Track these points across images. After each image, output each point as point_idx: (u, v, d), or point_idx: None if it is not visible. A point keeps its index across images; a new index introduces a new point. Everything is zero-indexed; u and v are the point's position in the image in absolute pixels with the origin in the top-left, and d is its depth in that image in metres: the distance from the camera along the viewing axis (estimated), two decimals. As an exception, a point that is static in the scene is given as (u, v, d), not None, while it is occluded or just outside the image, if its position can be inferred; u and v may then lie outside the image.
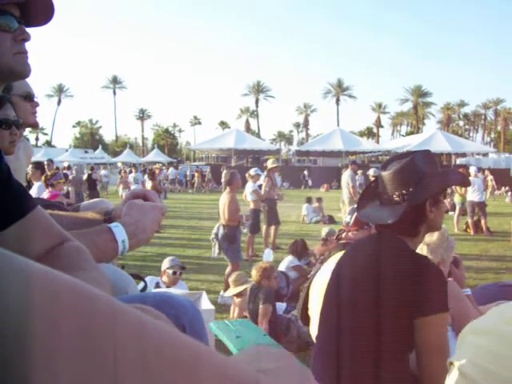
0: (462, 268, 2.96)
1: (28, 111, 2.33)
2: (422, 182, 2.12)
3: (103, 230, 1.30)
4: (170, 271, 6.34)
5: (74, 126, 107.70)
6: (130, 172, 25.35)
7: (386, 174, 2.17)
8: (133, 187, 19.07)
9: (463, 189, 15.09)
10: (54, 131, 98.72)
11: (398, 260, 2.04)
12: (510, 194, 28.16)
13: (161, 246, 11.74)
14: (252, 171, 11.40)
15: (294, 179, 37.40)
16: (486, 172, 27.11)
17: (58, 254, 1.08)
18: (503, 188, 30.30)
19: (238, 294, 6.27)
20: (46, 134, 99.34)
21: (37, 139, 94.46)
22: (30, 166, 7.40)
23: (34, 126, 2.46)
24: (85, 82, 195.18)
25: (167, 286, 6.11)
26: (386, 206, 2.17)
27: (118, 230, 1.30)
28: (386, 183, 2.17)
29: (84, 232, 1.27)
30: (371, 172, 13.27)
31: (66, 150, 56.77)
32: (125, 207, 1.41)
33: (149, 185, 15.60)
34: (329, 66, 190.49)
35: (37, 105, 2.40)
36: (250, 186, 11.03)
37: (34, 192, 7.07)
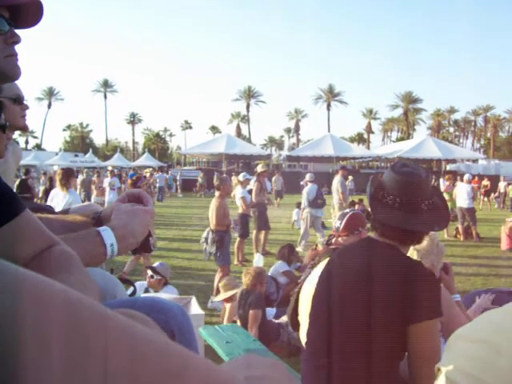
0: (452, 274, 2.97)
1: (17, 114, 2.31)
2: (436, 192, 2.20)
3: (92, 234, 1.29)
4: (149, 273, 6.40)
5: (64, 130, 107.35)
6: (102, 176, 22.07)
7: (414, 181, 2.15)
8: (108, 194, 17.86)
9: (453, 194, 15.24)
10: (44, 134, 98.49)
11: (392, 265, 2.04)
12: (499, 200, 28.27)
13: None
14: (241, 176, 11.42)
15: (284, 184, 37.38)
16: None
17: (46, 258, 1.07)
18: (493, 194, 30.42)
19: (228, 299, 6.26)
20: (35, 138, 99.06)
21: (26, 142, 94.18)
22: (60, 172, 7.55)
23: (24, 128, 2.45)
24: (76, 85, 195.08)
25: (155, 291, 6.11)
26: (411, 212, 2.14)
27: (107, 234, 1.29)
28: (414, 190, 2.15)
29: (73, 236, 1.26)
30: (307, 177, 13.21)
31: (56, 154, 56.49)
32: (114, 211, 1.40)
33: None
34: (320, 72, 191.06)
35: (26, 108, 2.39)
36: (239, 192, 11.02)
37: (69, 199, 7.16)
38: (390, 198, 2.18)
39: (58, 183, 7.37)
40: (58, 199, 7.22)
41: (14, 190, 1.18)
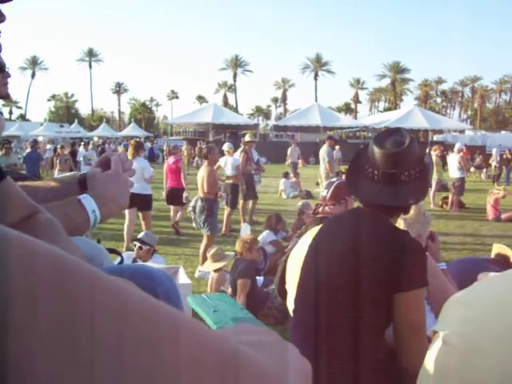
0: (438, 243, 2.99)
1: (-1, 82, 2.27)
2: (423, 161, 2.17)
3: (72, 202, 1.28)
4: (137, 245, 6.40)
5: (48, 100, 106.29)
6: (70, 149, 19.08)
7: (391, 152, 2.11)
8: (83, 169, 15.84)
9: (439, 165, 15.37)
10: (29, 105, 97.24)
11: (379, 235, 2.04)
12: (485, 170, 28.41)
13: (139, 219, 11.68)
14: (226, 146, 11.50)
15: (271, 154, 37.22)
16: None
17: (29, 226, 1.06)
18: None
19: (216, 269, 6.30)
20: (20, 108, 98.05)
21: (10, 113, 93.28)
22: (133, 143, 9.56)
23: (5, 97, 2.40)
24: (60, 54, 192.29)
25: (143, 261, 6.12)
26: (389, 185, 2.12)
27: (87, 201, 1.28)
28: (390, 162, 2.11)
29: (54, 204, 1.25)
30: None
31: (41, 124, 55.97)
32: (88, 180, 1.38)
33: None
34: (307, 41, 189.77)
35: (8, 75, 2.34)
36: (231, 160, 10.99)
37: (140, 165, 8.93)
38: (369, 171, 2.17)
39: (130, 152, 9.12)
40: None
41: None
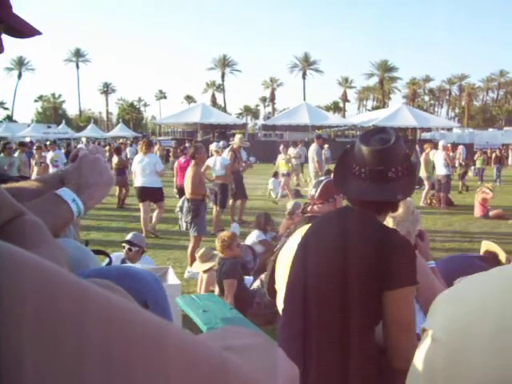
0: (427, 241, 2.99)
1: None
2: (409, 158, 2.17)
3: (50, 196, 1.27)
4: (126, 247, 6.35)
5: (35, 101, 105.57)
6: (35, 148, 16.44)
7: (378, 149, 2.12)
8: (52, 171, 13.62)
9: (430, 162, 15.42)
10: (15, 106, 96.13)
11: (367, 233, 2.04)
12: (473, 168, 28.54)
13: (127, 220, 11.65)
14: (214, 146, 11.50)
15: (260, 154, 37.15)
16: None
17: (14, 229, 1.04)
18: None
19: (206, 269, 6.28)
20: (6, 109, 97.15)
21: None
22: (143, 142, 10.99)
23: None
24: (47, 54, 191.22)
25: (132, 262, 6.09)
26: (376, 182, 2.12)
27: (64, 192, 1.28)
28: (377, 159, 2.12)
29: (33, 203, 1.23)
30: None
31: (28, 125, 55.59)
32: (65, 175, 1.38)
33: (115, 160, 15.00)
34: (295, 40, 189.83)
35: (-7, 76, 2.32)
36: (219, 160, 10.94)
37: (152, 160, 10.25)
38: (356, 169, 2.17)
39: (141, 149, 10.57)
40: (143, 162, 10.07)
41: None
